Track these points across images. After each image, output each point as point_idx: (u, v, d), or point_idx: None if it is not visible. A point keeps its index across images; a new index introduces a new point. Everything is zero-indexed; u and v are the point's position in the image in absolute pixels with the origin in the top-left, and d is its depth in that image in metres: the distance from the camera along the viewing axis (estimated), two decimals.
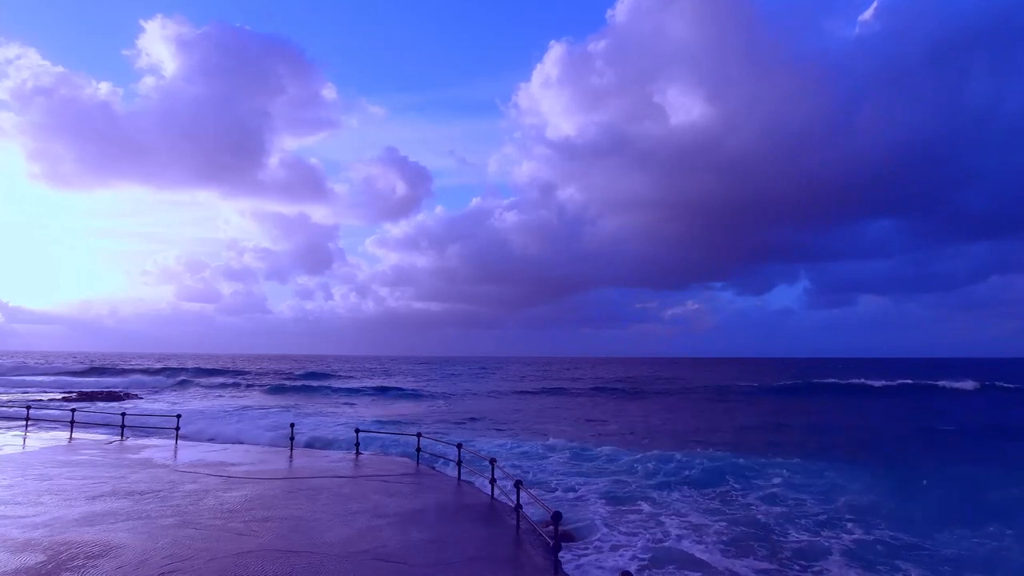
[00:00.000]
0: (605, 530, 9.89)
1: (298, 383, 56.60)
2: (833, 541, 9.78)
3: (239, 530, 8.16)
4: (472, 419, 29.20)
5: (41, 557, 6.83)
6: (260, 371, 79.94)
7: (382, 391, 47.66)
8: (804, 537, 10.00)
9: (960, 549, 9.47)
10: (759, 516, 11.08)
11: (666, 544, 9.33)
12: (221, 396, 46.45)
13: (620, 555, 8.77)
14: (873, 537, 9.98)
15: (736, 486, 13.37)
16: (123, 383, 57.41)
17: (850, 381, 55.04)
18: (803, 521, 10.81)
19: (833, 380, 57.77)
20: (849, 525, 10.65)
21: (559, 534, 6.86)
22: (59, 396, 40.10)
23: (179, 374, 67.45)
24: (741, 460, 15.44)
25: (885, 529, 10.42)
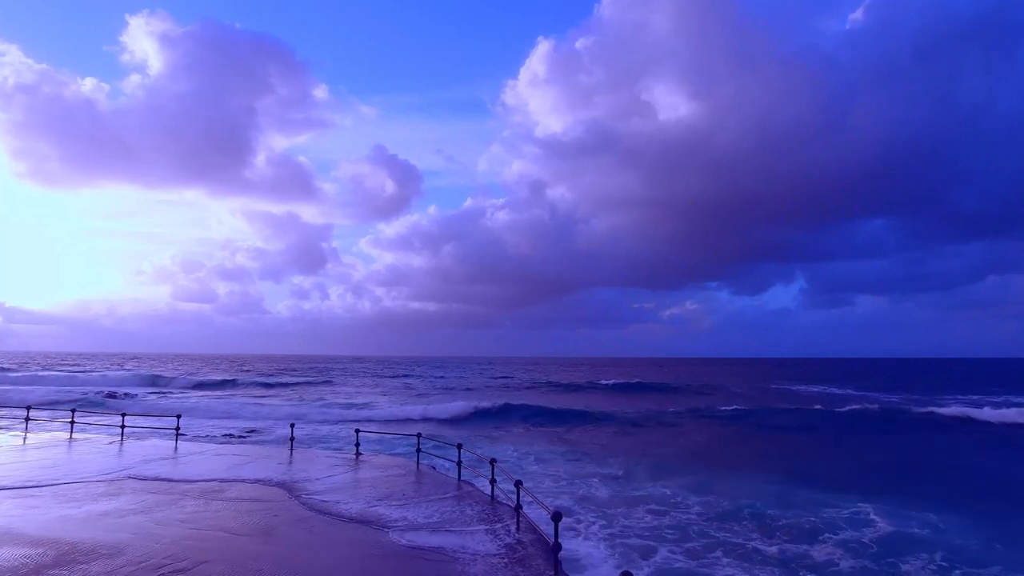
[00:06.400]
0: None
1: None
2: None
3: (240, 530, 8.17)
4: None
5: (42, 556, 6.84)
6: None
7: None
8: None
9: None
10: None
11: None
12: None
13: None
14: None
15: None
16: (122, 384, 57.45)
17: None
18: None
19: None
20: None
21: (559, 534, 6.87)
22: (59, 396, 40.11)
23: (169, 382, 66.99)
24: None
25: None
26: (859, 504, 14.69)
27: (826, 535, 12.47)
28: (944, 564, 11.10)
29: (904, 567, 10.94)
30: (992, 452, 25.65)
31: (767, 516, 13.68)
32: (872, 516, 13.82)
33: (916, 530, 13.02)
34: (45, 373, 70.39)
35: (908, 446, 26.72)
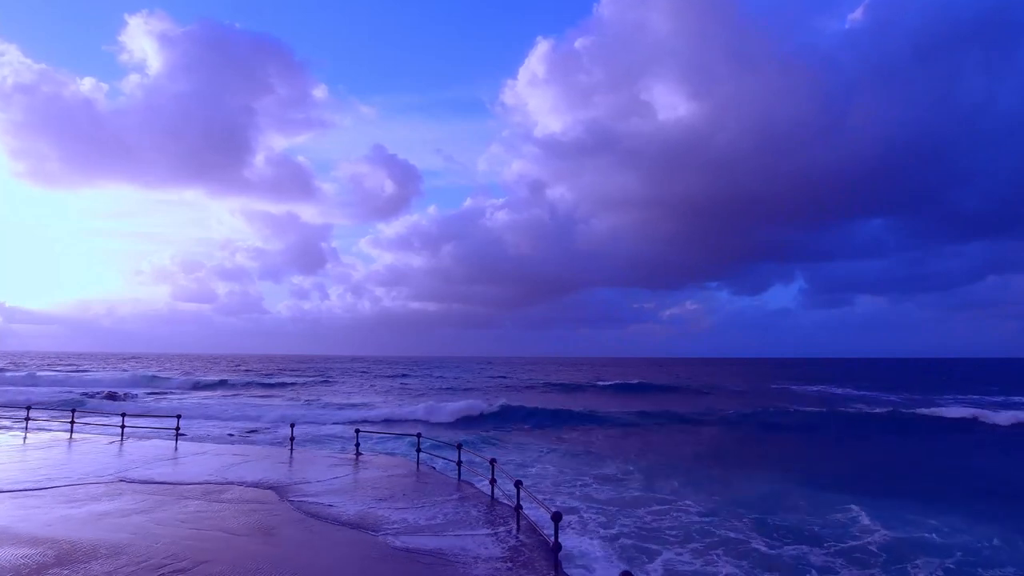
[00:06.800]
0: None
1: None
2: None
3: (240, 530, 8.17)
4: None
5: (43, 555, 6.84)
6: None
7: None
8: None
9: None
10: None
11: None
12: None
13: None
14: None
15: None
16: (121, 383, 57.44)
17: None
18: None
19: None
20: None
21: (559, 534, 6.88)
22: (59, 396, 40.13)
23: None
24: None
25: None
26: (865, 507, 14.52)
27: (831, 541, 12.24)
28: (952, 567, 10.89)
29: (916, 572, 10.78)
30: (1001, 454, 25.42)
31: (769, 518, 13.65)
32: (879, 519, 13.63)
33: (926, 534, 12.81)
34: (44, 373, 70.40)
35: (914, 448, 26.50)
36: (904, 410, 38.92)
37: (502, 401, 39.95)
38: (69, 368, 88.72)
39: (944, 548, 11.88)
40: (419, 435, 14.13)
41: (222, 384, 61.42)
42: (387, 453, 17.07)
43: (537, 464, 20.07)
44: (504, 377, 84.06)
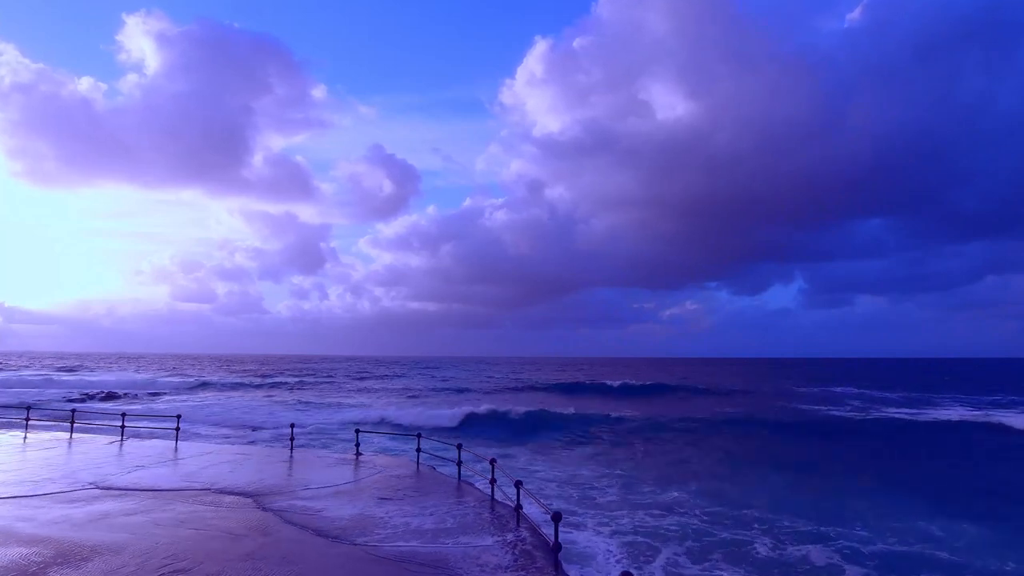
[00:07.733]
0: None
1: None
2: None
3: (239, 531, 8.17)
4: None
5: (43, 555, 6.84)
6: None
7: None
8: None
9: None
10: None
11: None
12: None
13: None
14: None
15: None
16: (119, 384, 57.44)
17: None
18: None
19: None
20: None
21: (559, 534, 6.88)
22: (59, 396, 40.15)
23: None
24: None
25: None
26: (868, 509, 14.41)
27: (833, 543, 12.08)
28: None
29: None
30: (1005, 456, 24.73)
31: (771, 520, 13.62)
32: (882, 523, 13.41)
33: (932, 537, 12.55)
34: (44, 374, 70.42)
35: (916, 449, 26.01)
36: (905, 410, 38.88)
37: (501, 401, 39.99)
38: (69, 368, 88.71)
39: (954, 562, 11.43)
40: (419, 435, 14.12)
41: (222, 384, 61.42)
42: (387, 453, 17.06)
43: (537, 464, 20.07)
44: (503, 377, 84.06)
